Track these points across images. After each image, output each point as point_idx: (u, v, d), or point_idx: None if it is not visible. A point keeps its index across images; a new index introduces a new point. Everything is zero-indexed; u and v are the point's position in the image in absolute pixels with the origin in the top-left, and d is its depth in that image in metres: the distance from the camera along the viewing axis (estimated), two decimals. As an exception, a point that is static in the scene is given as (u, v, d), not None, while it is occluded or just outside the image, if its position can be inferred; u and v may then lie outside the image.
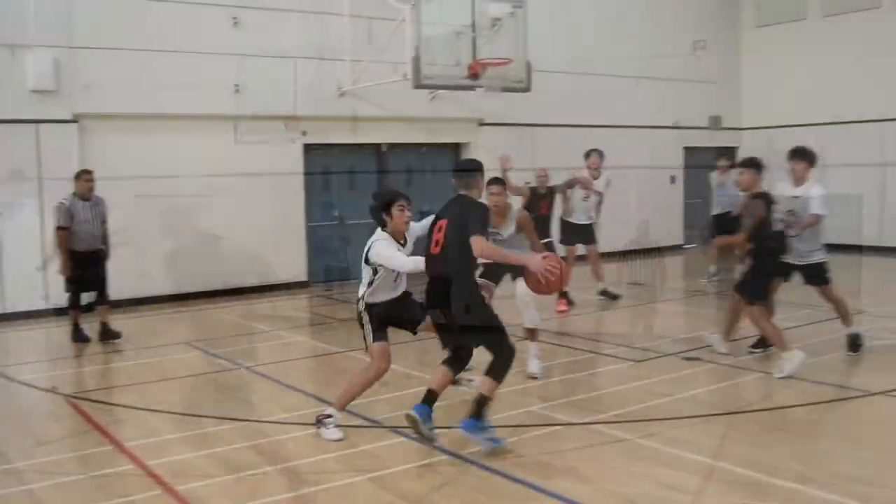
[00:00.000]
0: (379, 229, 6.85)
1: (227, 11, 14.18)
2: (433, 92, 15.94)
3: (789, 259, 8.92)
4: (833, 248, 17.70)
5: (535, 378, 8.24)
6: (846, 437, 6.36)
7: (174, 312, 13.01)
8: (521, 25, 14.71)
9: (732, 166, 14.54)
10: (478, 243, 6.11)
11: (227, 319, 12.34)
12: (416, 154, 16.90)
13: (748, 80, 21.86)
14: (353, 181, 16.22)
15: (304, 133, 15.15)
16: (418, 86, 13.81)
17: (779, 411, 7.16)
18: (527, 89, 14.84)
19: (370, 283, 6.86)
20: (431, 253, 6.40)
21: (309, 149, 15.40)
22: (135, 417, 7.43)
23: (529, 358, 8.39)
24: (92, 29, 13.13)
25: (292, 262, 15.07)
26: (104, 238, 11.10)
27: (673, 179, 20.24)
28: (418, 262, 6.60)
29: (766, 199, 8.55)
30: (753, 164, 8.87)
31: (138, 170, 13.46)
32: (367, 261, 6.77)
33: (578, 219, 13.10)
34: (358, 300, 6.98)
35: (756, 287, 8.60)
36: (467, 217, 6.25)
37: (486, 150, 16.89)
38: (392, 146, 16.55)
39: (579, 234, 13.11)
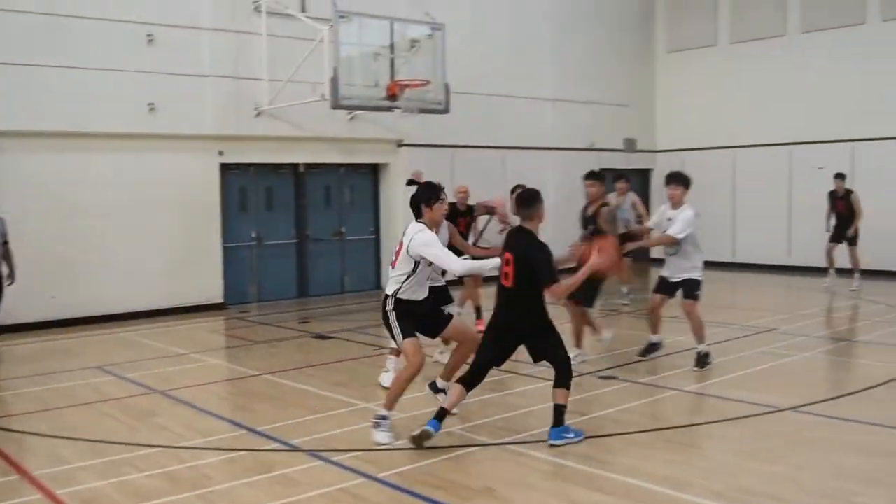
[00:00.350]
0: (415, 220, 7.05)
1: (143, 28, 13.93)
2: (352, 112, 15.93)
3: (666, 274, 9.62)
4: (740, 266, 18.25)
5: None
6: (756, 453, 6.49)
7: (85, 336, 12.66)
8: (440, 47, 14.83)
9: (629, 188, 15.36)
10: (555, 293, 6.70)
11: (140, 342, 12.06)
12: (334, 174, 16.83)
13: (662, 103, 22.38)
14: (270, 201, 16.07)
15: (220, 153, 14.95)
16: (336, 106, 13.82)
17: (692, 428, 7.29)
18: (445, 111, 14.95)
19: (407, 278, 6.96)
20: (503, 284, 6.80)
21: (225, 169, 15.21)
22: (44, 445, 7.19)
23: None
24: (2, 43, 12.78)
25: (208, 284, 14.82)
26: (6, 258, 10.84)
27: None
28: (472, 267, 7.08)
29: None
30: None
31: (49, 188, 13.17)
32: (408, 252, 6.91)
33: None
34: (386, 297, 7.08)
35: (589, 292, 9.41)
36: (534, 263, 6.66)
37: (405, 170, 16.97)
38: (310, 166, 16.46)
39: None
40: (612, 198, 14.69)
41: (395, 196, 17.16)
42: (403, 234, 7.08)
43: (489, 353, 6.95)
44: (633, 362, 9.82)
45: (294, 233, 16.31)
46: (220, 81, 14.80)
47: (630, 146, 21.51)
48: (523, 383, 8.98)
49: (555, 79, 19.90)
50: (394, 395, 7.05)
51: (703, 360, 9.42)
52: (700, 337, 9.49)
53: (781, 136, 19.81)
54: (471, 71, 17.06)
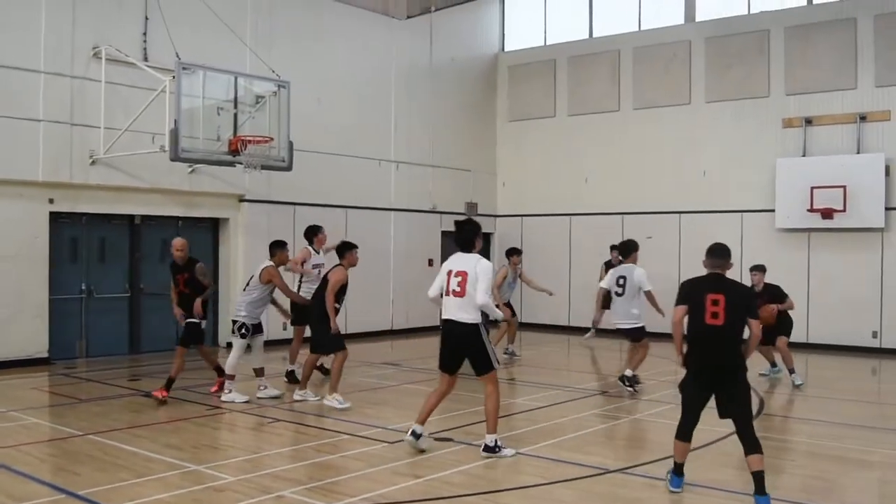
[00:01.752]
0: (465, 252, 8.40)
1: (-29, 68, 13.32)
2: (192, 165, 15.63)
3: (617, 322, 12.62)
4: (571, 329, 18.60)
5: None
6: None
7: None
8: (284, 104, 14.83)
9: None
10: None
11: None
12: (172, 227, 16.37)
13: (503, 169, 23.01)
14: (103, 253, 15.49)
15: (51, 201, 14.34)
16: (175, 158, 13.56)
17: (546, 487, 7.38)
18: (288, 168, 14.91)
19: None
20: (710, 324, 7.19)
21: (55, 217, 14.58)
22: None
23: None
24: None
25: (32, 337, 14.03)
26: None
27: (431, 262, 20.75)
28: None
29: None
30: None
31: None
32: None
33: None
34: (471, 325, 8.23)
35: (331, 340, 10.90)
36: (746, 300, 7.54)
37: (245, 225, 16.79)
38: (147, 218, 15.98)
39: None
40: (506, 270, 15.41)
41: (235, 251, 16.89)
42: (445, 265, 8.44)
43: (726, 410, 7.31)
44: (468, 424, 9.89)
45: (127, 286, 15.75)
46: (53, 127, 14.22)
47: (471, 210, 21.96)
48: (360, 444, 8.89)
49: (399, 141, 20.19)
50: (493, 419, 8.39)
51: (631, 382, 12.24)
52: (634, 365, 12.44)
53: (614, 206, 20.68)
54: (315, 130, 17.14)
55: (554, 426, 9.91)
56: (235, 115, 14.23)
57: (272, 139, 14.34)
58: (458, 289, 8.17)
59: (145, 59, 15.09)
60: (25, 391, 12.08)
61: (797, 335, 14.40)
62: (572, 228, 21.40)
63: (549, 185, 21.87)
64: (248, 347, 11.60)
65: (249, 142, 13.88)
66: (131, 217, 15.79)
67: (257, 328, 11.58)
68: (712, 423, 7.51)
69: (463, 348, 8.31)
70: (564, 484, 7.54)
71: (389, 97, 20.05)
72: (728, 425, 7.15)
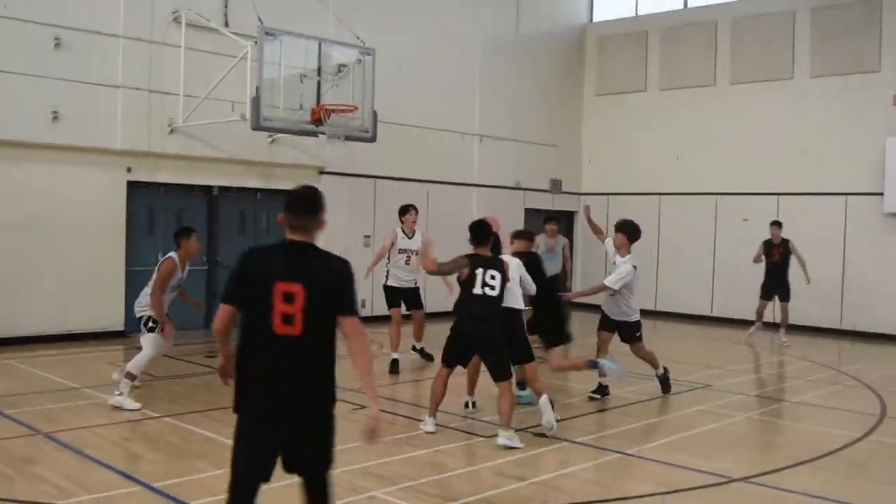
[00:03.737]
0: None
1: (49, 31, 12.86)
2: (272, 135, 15.09)
3: (605, 310, 10.36)
4: (660, 314, 17.91)
5: None
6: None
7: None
8: (369, 74, 14.15)
9: (558, 231, 15.27)
10: None
11: (27, 372, 10.93)
12: (250, 199, 15.89)
13: (588, 145, 22.08)
14: (180, 224, 14.98)
15: (128, 169, 13.92)
16: (257, 127, 13.00)
17: (642, 500, 6.65)
18: (372, 139, 14.26)
19: None
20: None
21: (133, 187, 14.16)
22: None
23: None
24: None
25: (108, 310, 13.63)
26: None
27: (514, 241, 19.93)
28: None
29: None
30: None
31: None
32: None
33: (403, 282, 12.10)
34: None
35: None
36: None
37: (325, 198, 16.16)
38: (225, 189, 15.49)
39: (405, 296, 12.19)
40: (540, 239, 14.34)
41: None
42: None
43: None
44: (570, 417, 9.17)
45: (205, 259, 15.26)
46: (131, 93, 13.77)
47: (556, 187, 21.11)
48: (457, 439, 8.23)
49: (482, 114, 19.39)
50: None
51: (665, 383, 10.53)
52: (653, 364, 10.49)
53: (707, 186, 19.65)
54: (397, 101, 16.37)
55: (659, 424, 9.15)
56: (318, 84, 13.62)
57: (356, 108, 13.68)
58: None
59: (226, 24, 14.55)
60: (100, 366, 11.60)
61: None
62: (662, 208, 20.40)
63: (637, 163, 20.86)
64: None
65: (333, 111, 13.24)
66: (209, 188, 15.30)
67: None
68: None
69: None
70: (687, 494, 6.76)
71: (473, 68, 19.24)
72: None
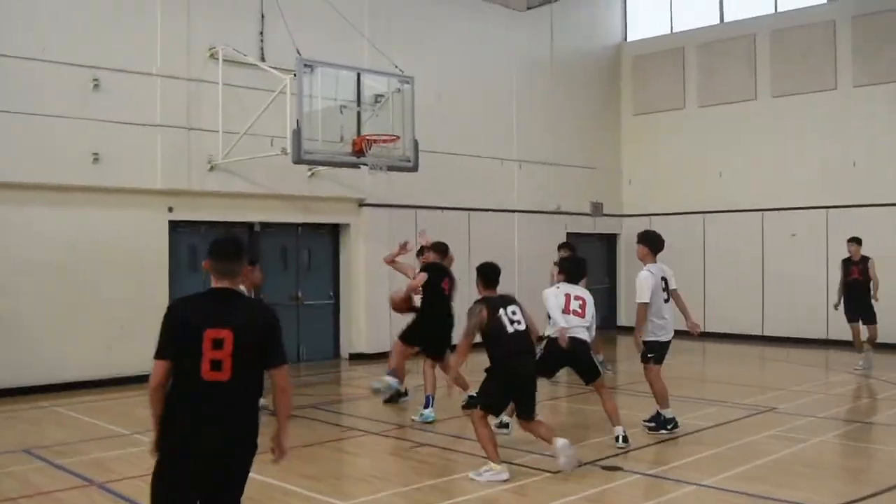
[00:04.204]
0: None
1: (88, 72, 12.81)
2: (311, 169, 14.94)
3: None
4: (709, 336, 17.40)
5: None
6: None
7: (11, 411, 11.23)
8: (409, 103, 13.98)
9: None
10: None
11: (76, 420, 10.75)
12: (291, 234, 15.74)
13: (629, 166, 21.76)
14: (222, 262, 14.85)
15: (170, 209, 13.80)
16: (299, 161, 12.82)
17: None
18: (414, 168, 14.05)
19: None
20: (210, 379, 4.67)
21: (175, 225, 14.04)
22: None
23: None
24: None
25: (152, 351, 13.42)
26: None
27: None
28: None
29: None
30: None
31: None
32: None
33: None
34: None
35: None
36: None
37: (366, 231, 16.03)
38: (265, 225, 15.34)
39: None
40: (554, 270, 13.87)
41: (356, 257, 16.13)
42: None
43: None
44: (637, 448, 8.82)
45: (251, 295, 15.05)
46: (170, 132, 13.67)
47: (597, 210, 20.80)
48: (524, 475, 7.91)
49: (521, 139, 19.16)
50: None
51: (660, 423, 9.49)
52: (660, 401, 9.54)
53: (752, 202, 19.25)
54: (435, 129, 16.14)
55: (730, 452, 8.72)
56: (359, 114, 13.43)
57: (398, 138, 13.47)
58: (579, 310, 9.00)
59: (262, 58, 14.46)
60: (148, 410, 11.40)
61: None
62: (706, 227, 20.02)
63: (679, 182, 20.50)
64: None
65: (375, 141, 13.04)
66: (250, 224, 15.15)
67: None
68: None
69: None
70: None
71: (510, 92, 19.05)
72: None
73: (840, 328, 15.59)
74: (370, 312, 15.82)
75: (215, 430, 4.28)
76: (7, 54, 12.16)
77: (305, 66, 12.70)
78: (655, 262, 9.68)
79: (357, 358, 15.92)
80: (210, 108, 13.93)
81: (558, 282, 9.44)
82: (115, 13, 13.19)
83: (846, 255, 14.77)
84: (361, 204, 16.18)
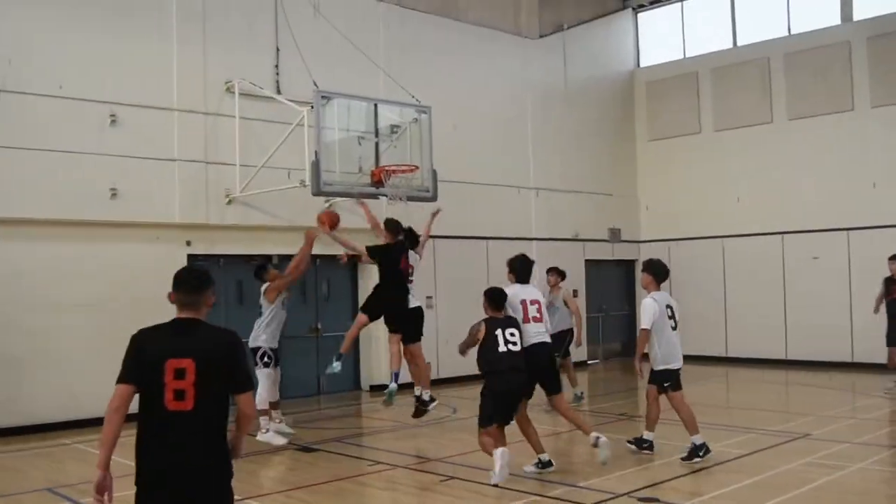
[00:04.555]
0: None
1: (105, 108, 12.81)
2: (329, 200, 14.83)
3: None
4: (732, 361, 17.15)
5: None
6: None
7: (33, 448, 11.13)
8: (426, 132, 13.88)
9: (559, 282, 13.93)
10: None
11: (96, 457, 10.56)
12: (310, 266, 15.60)
13: (645, 192, 21.65)
14: (240, 295, 14.76)
15: (188, 243, 13.73)
16: (318, 193, 12.74)
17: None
18: (433, 198, 13.91)
19: None
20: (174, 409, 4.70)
21: (193, 259, 13.93)
22: None
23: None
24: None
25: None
26: None
27: (575, 293, 19.50)
28: None
29: None
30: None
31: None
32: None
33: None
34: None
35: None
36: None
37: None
38: (284, 258, 15.19)
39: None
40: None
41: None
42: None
43: None
44: (670, 479, 8.62)
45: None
46: (188, 166, 13.64)
47: (615, 236, 20.67)
48: (553, 507, 7.72)
49: (537, 167, 19.10)
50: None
51: (640, 443, 9.74)
52: (650, 425, 9.73)
53: (772, 225, 19.09)
54: (451, 158, 15.99)
55: (768, 481, 8.50)
56: (377, 145, 13.35)
57: (417, 168, 13.38)
58: (536, 314, 9.11)
59: (278, 91, 14.45)
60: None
61: None
62: (726, 251, 19.85)
63: (696, 207, 20.37)
64: None
65: (393, 172, 12.94)
66: (269, 257, 15.05)
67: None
68: None
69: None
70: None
71: (525, 120, 19.01)
72: None
73: (866, 351, 15.39)
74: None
75: (181, 459, 4.29)
76: (25, 91, 12.17)
77: (322, 97, 12.65)
78: (660, 290, 9.73)
79: (378, 389, 15.72)
80: (227, 141, 13.91)
81: (511, 282, 9.52)
82: (132, 48, 13.20)
83: (887, 273, 14.57)
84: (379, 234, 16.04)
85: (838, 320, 17.68)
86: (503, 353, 8.48)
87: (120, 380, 4.42)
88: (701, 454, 9.25)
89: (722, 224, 19.88)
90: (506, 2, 18.99)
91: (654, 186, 21.42)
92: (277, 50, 14.74)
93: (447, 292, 16.51)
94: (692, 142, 20.75)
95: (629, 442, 9.82)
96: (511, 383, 8.54)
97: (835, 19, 18.89)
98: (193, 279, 4.77)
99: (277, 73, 14.69)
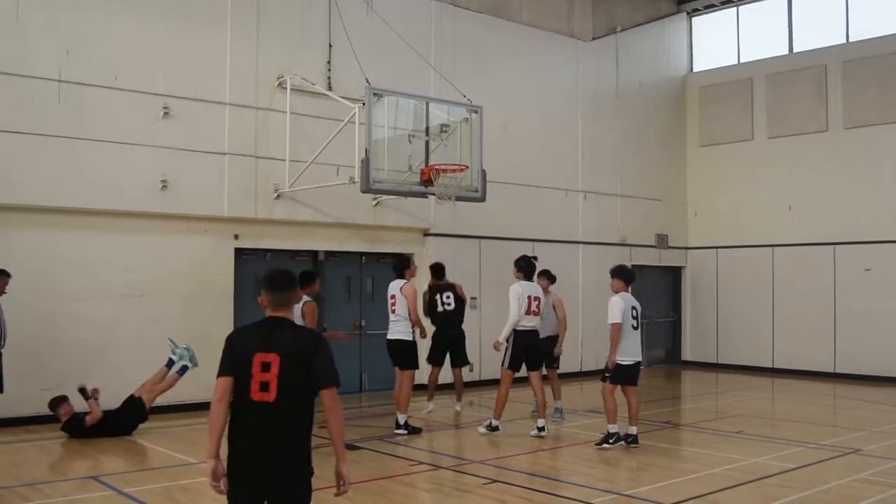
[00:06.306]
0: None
1: (159, 100, 12.90)
2: (377, 198, 14.85)
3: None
4: (778, 372, 16.85)
5: None
6: None
7: (74, 438, 11.19)
8: (477, 132, 13.82)
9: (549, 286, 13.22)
10: None
11: (141, 446, 10.68)
12: (355, 263, 15.65)
13: (694, 198, 21.38)
14: (287, 290, 14.77)
15: (236, 236, 13.79)
16: (367, 190, 12.73)
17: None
18: (482, 199, 13.88)
19: None
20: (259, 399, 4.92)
21: (240, 253, 14.02)
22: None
23: None
24: (7, 110, 11.72)
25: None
26: None
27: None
28: None
29: None
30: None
31: (45, 269, 12.00)
32: None
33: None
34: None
35: None
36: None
37: (430, 260, 15.83)
38: (330, 254, 15.27)
39: None
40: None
41: (419, 287, 15.91)
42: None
43: None
44: (719, 489, 8.46)
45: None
46: (238, 160, 13.69)
47: (662, 242, 20.45)
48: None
49: (585, 170, 18.94)
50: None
51: (605, 438, 10.49)
52: (609, 417, 10.50)
53: (824, 235, 18.75)
54: (500, 159, 15.96)
55: (820, 497, 8.32)
56: (427, 143, 13.31)
57: (467, 167, 13.31)
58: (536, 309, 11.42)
59: (329, 88, 14.46)
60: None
61: None
62: (775, 261, 19.53)
63: (746, 215, 20.08)
64: None
65: (443, 171, 12.88)
66: (315, 252, 15.10)
67: None
68: None
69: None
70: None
71: (576, 123, 18.87)
72: None
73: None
74: (433, 342, 15.63)
75: (260, 449, 4.52)
76: (81, 81, 12.28)
77: (375, 94, 12.63)
78: (628, 292, 10.71)
79: (420, 388, 15.68)
80: (277, 136, 13.94)
81: (518, 279, 11.43)
82: (186, 43, 13.28)
83: (891, 291, 14.30)
84: (426, 234, 16.06)
85: (890, 334, 17.34)
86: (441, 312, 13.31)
87: (219, 374, 4.67)
88: (611, 441, 10.38)
89: (772, 232, 19.58)
90: (559, 3, 18.86)
91: (704, 193, 21.15)
92: (330, 46, 14.75)
93: (491, 293, 16.41)
94: (744, 148, 20.45)
95: (596, 444, 10.52)
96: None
97: (894, 27, 18.49)
98: (284, 281, 5.02)
99: (329, 70, 14.70)
